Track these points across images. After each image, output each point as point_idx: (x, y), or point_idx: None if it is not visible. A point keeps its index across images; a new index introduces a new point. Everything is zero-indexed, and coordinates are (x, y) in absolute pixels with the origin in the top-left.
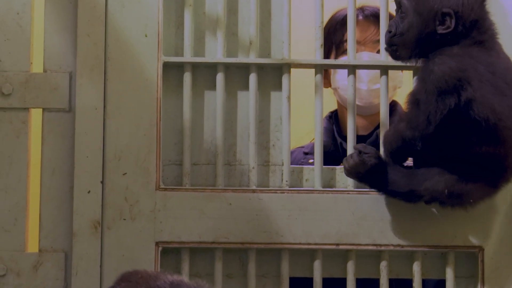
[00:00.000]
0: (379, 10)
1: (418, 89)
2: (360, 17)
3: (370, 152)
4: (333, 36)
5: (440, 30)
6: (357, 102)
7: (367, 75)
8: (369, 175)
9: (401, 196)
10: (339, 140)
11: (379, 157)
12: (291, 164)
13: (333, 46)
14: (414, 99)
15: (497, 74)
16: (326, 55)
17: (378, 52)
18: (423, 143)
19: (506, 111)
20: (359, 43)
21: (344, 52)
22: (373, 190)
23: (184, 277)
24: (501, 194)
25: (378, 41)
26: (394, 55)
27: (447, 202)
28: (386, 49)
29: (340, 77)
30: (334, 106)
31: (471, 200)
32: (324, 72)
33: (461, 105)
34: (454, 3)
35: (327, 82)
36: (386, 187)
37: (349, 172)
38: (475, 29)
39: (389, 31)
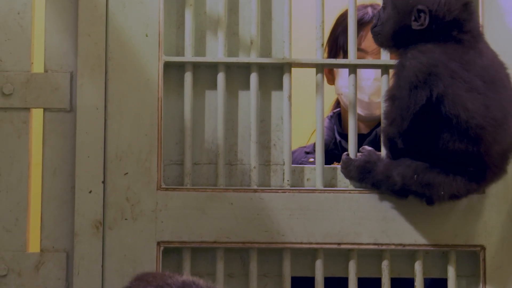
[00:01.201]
0: None
1: (393, 85)
2: (370, 17)
3: (363, 152)
4: (341, 38)
5: (414, 26)
6: (358, 111)
7: (370, 88)
8: (361, 173)
9: (382, 185)
10: (338, 138)
11: (371, 155)
12: (292, 164)
13: (340, 50)
14: (391, 95)
15: (473, 72)
16: (334, 57)
17: None
18: (403, 140)
19: (481, 109)
20: (365, 52)
21: None
22: (373, 189)
23: (198, 279)
24: (503, 192)
25: None
26: (377, 40)
27: (419, 191)
28: (372, 35)
29: (342, 83)
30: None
31: (442, 192)
32: (329, 69)
33: (433, 101)
34: (431, 2)
35: (331, 78)
36: (374, 180)
37: (344, 174)
38: (455, 28)
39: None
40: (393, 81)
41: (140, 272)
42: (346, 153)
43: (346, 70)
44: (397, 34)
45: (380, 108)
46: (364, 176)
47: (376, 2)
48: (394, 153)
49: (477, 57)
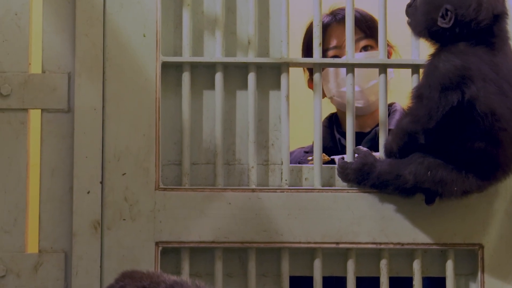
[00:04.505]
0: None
1: (423, 83)
2: (334, 23)
3: (360, 153)
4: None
5: (440, 22)
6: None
7: (358, 77)
8: (359, 176)
9: (390, 184)
10: (337, 136)
11: (367, 156)
12: (290, 163)
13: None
14: (419, 93)
15: (501, 75)
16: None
17: (360, 51)
18: (426, 137)
19: (507, 113)
20: (340, 47)
21: None
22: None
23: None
24: (501, 191)
25: (357, 40)
26: (410, 24)
27: (432, 188)
28: (406, 14)
29: (332, 85)
30: (331, 109)
31: (455, 188)
32: (309, 75)
33: (464, 103)
34: (459, 4)
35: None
36: (377, 180)
37: (341, 179)
38: (485, 33)
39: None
40: (423, 80)
41: (125, 270)
42: (341, 156)
43: (334, 73)
44: (424, 25)
45: (375, 93)
46: (363, 178)
47: (337, 7)
48: (406, 148)
49: (504, 59)
